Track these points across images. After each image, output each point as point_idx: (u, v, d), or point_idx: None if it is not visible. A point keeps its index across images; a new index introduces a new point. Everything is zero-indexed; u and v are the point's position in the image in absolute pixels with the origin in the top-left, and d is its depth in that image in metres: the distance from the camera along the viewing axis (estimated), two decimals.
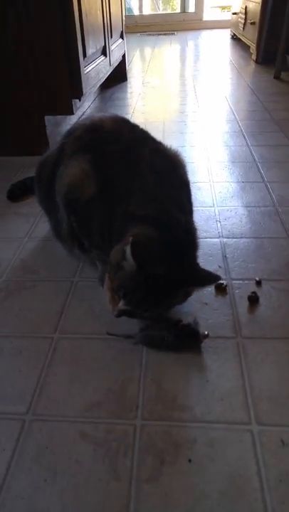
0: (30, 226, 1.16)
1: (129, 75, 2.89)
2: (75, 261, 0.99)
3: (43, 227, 1.13)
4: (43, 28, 1.38)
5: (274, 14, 2.77)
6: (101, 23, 1.89)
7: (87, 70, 1.61)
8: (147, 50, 3.99)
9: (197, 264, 0.74)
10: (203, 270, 0.73)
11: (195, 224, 0.80)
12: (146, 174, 0.79)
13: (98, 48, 1.83)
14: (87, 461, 0.59)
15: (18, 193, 1.29)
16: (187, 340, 0.75)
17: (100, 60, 1.88)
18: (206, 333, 0.76)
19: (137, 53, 3.84)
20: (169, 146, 0.93)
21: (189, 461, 0.58)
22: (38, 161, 1.00)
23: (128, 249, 0.64)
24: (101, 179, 0.79)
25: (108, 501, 0.54)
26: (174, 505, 0.54)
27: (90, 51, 1.64)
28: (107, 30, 2.03)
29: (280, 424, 0.63)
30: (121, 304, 0.71)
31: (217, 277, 0.72)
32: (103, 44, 1.94)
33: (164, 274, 0.67)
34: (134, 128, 0.93)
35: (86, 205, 0.80)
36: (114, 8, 2.24)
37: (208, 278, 0.72)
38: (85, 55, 1.56)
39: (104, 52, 1.97)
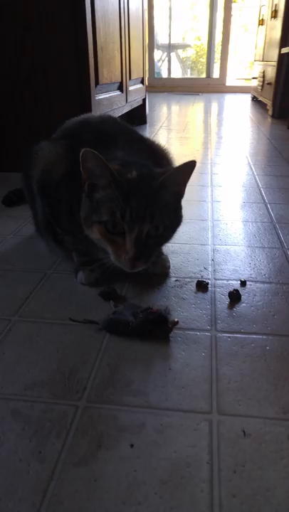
0: (18, 226, 1.12)
1: (149, 119, 2.98)
2: (54, 257, 0.94)
3: (30, 227, 1.10)
4: (56, 54, 1.45)
5: (287, 75, 3.02)
6: (118, 62, 1.98)
7: (99, 97, 1.66)
8: (172, 103, 4.17)
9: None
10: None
11: None
12: (117, 153, 0.76)
13: (113, 81, 1.90)
14: (12, 440, 0.50)
15: (13, 199, 1.28)
16: (155, 327, 0.67)
17: (115, 93, 1.95)
18: (176, 320, 0.68)
19: (162, 105, 4.00)
20: (158, 143, 0.91)
21: (131, 446, 0.49)
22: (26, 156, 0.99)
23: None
24: (72, 160, 0.77)
25: (24, 483, 0.45)
26: (101, 491, 0.44)
27: (103, 81, 1.70)
28: (125, 70, 2.12)
29: (245, 415, 0.52)
30: (128, 246, 0.67)
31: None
32: (120, 80, 2.02)
33: (137, 176, 0.67)
34: (121, 124, 0.92)
35: (56, 186, 0.78)
36: (135, 54, 2.36)
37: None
38: (97, 83, 1.62)
39: (120, 88, 2.05)
